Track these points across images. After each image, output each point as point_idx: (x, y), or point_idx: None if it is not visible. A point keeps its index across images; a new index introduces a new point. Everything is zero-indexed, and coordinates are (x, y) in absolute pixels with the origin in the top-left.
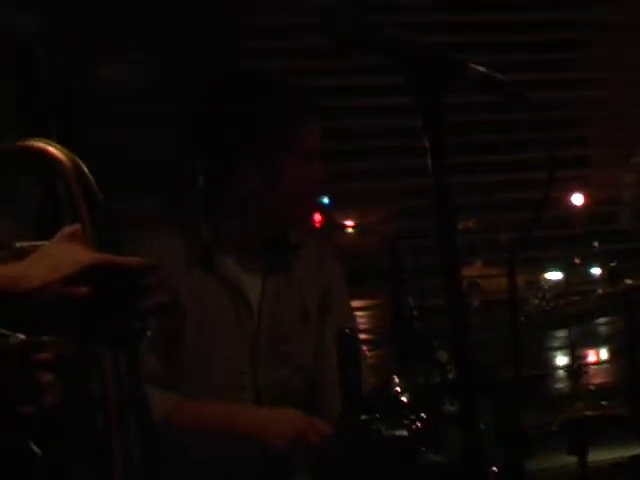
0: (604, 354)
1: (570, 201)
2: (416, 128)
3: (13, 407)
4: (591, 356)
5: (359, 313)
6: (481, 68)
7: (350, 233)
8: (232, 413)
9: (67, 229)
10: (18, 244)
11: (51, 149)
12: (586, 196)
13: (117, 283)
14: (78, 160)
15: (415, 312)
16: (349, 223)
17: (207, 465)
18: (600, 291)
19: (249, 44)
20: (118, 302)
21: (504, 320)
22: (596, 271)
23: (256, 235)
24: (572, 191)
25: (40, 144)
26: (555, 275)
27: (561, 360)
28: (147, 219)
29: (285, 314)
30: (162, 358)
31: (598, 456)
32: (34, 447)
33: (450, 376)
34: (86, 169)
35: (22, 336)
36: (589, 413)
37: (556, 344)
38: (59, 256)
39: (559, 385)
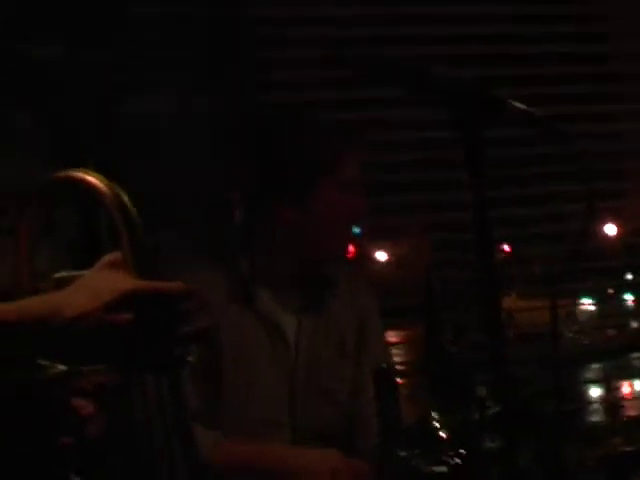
0: (639, 386)
1: (603, 232)
2: (456, 162)
3: (55, 438)
4: (625, 388)
5: (394, 347)
6: (520, 104)
7: (381, 265)
8: (271, 453)
9: (107, 257)
10: (57, 274)
11: (91, 178)
12: (619, 227)
13: (157, 309)
14: (118, 189)
15: (453, 347)
16: (381, 255)
17: None
18: (635, 324)
19: (281, 76)
20: (159, 328)
21: (538, 353)
22: (629, 303)
23: (292, 269)
24: (605, 222)
25: (80, 174)
26: (588, 307)
27: (595, 392)
28: (182, 251)
29: (322, 349)
30: (201, 395)
31: None
32: (75, 478)
33: (490, 412)
34: (126, 198)
35: (62, 367)
36: (628, 448)
37: (590, 376)
38: (100, 284)
39: (594, 419)
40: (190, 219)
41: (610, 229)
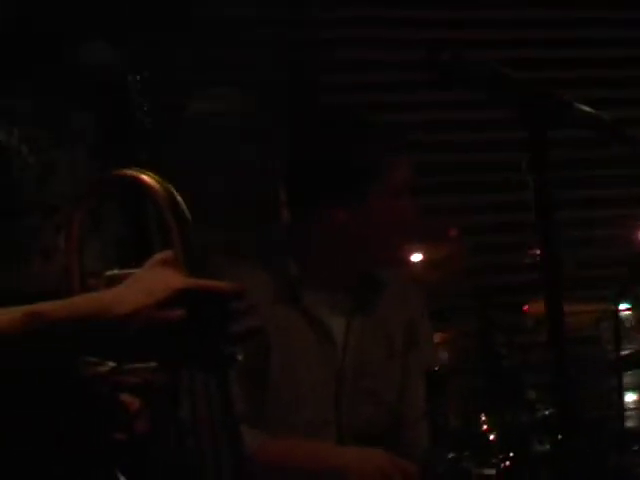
0: None
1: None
2: (520, 165)
3: (103, 434)
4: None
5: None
6: (586, 107)
7: (416, 267)
8: (318, 452)
9: (159, 255)
10: (109, 272)
11: (144, 176)
12: None
13: (208, 307)
14: (170, 187)
15: (504, 350)
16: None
17: None
18: None
19: (336, 78)
20: (209, 326)
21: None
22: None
23: (342, 273)
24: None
25: (133, 172)
26: (623, 312)
27: (630, 398)
28: (229, 252)
29: (370, 350)
30: (248, 395)
31: None
32: (121, 477)
33: (539, 415)
34: (178, 196)
35: (112, 363)
36: None
37: (627, 381)
38: (151, 281)
39: (631, 424)
40: (238, 219)
41: None
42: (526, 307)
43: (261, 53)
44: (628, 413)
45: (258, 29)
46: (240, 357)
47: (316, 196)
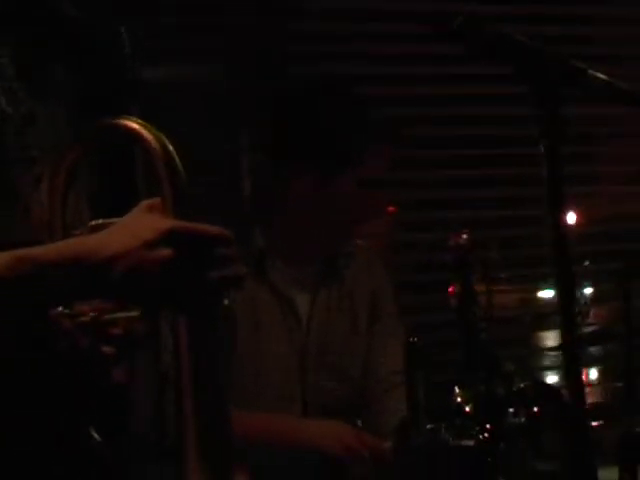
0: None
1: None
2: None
3: (83, 383)
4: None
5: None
6: (602, 76)
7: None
8: (281, 425)
9: (145, 202)
10: (94, 222)
11: (136, 125)
12: (579, 215)
13: (196, 250)
14: (163, 137)
15: (482, 323)
16: None
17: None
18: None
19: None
20: (196, 270)
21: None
22: (588, 291)
23: (306, 247)
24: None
25: (124, 121)
26: (547, 294)
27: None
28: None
29: (335, 325)
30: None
31: None
32: (94, 433)
33: (515, 387)
34: (170, 147)
35: (92, 314)
36: None
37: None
38: (138, 224)
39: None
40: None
41: (570, 217)
42: (451, 288)
43: (229, 20)
44: (590, 389)
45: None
46: (226, 302)
47: (285, 165)
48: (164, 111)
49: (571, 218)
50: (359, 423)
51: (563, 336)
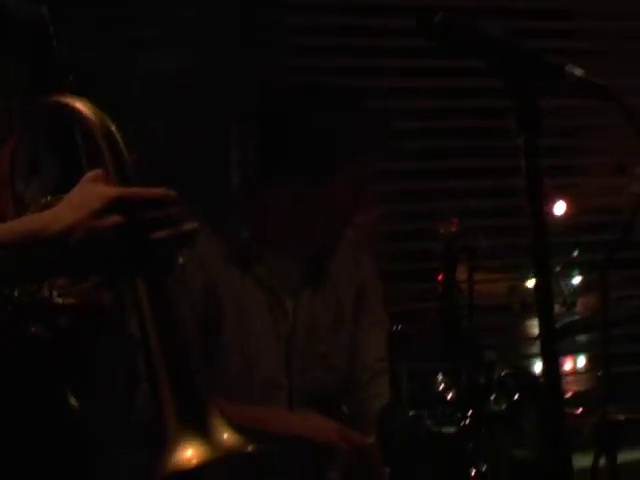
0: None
1: (552, 210)
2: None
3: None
4: (567, 364)
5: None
6: (578, 71)
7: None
8: (266, 419)
9: (89, 173)
10: (43, 200)
11: (76, 102)
12: (569, 205)
13: (145, 213)
14: (104, 115)
15: (463, 311)
16: None
17: None
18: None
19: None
20: (147, 232)
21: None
22: (576, 280)
23: (294, 241)
24: (555, 199)
25: (66, 98)
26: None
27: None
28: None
29: (320, 316)
30: (200, 356)
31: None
32: (72, 399)
33: (496, 376)
34: (113, 125)
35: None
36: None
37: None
38: (84, 196)
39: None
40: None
41: (559, 207)
42: (440, 276)
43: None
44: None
45: None
46: (181, 261)
47: (283, 163)
48: (151, 103)
49: (560, 209)
50: (345, 409)
51: (540, 325)
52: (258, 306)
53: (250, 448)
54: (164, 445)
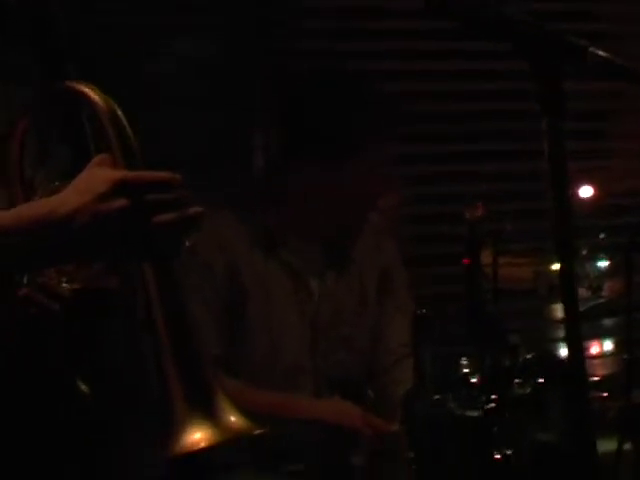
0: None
1: (577, 193)
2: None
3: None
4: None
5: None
6: (602, 53)
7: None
8: (290, 404)
9: (96, 158)
10: (51, 185)
11: (84, 88)
12: (596, 188)
13: (150, 196)
14: (112, 102)
15: (488, 295)
16: None
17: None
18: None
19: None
20: (153, 215)
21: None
22: (602, 264)
23: (317, 226)
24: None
25: (74, 84)
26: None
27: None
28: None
29: (344, 299)
30: (224, 340)
31: None
32: (83, 386)
33: (520, 359)
34: (119, 111)
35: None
36: None
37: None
38: (90, 180)
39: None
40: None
41: (585, 191)
42: (465, 260)
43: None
44: (605, 360)
45: None
46: (188, 244)
47: (300, 148)
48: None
49: (586, 192)
50: (370, 393)
51: (564, 309)
52: (283, 290)
53: (257, 431)
54: (172, 428)
